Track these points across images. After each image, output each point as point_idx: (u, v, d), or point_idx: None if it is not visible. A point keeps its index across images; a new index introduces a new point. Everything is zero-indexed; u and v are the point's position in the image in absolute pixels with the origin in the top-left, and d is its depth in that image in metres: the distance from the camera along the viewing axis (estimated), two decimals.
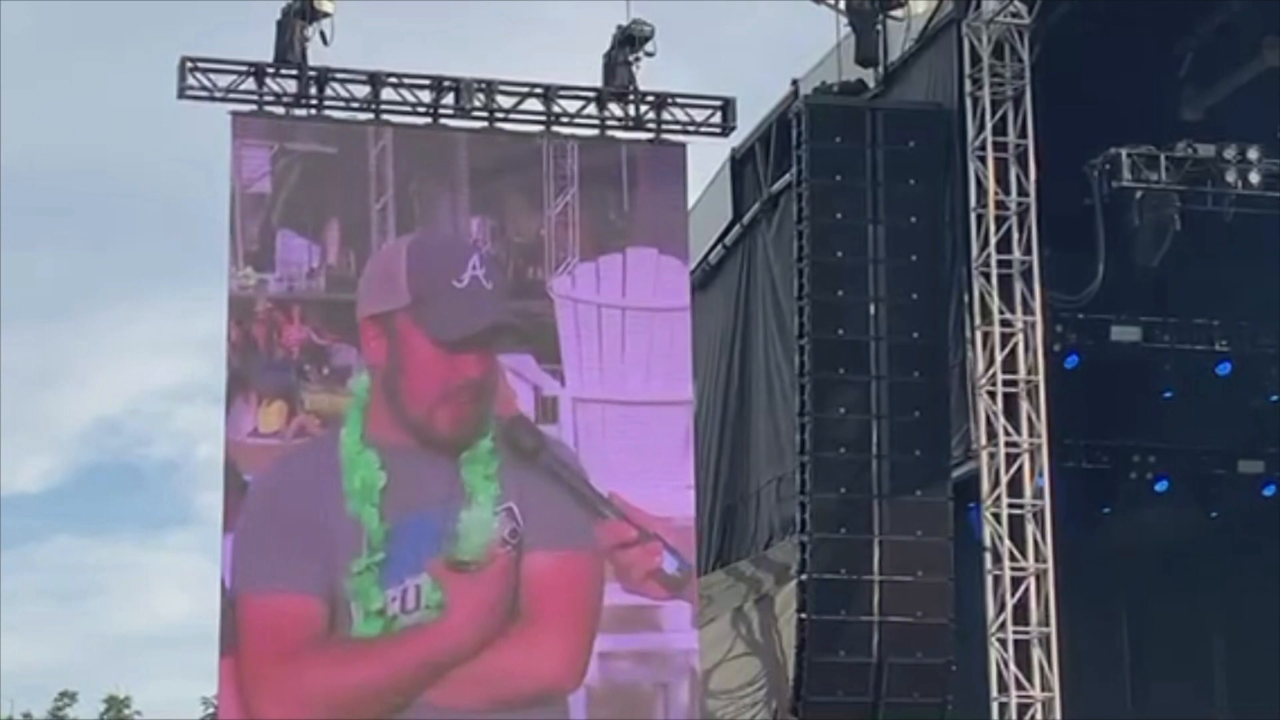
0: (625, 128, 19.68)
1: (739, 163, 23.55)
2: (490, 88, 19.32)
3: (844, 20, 20.30)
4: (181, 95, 18.63)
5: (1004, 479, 18.69)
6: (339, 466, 18.18)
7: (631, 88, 19.65)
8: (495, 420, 18.64)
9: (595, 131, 19.60)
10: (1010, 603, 18.45)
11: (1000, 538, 18.59)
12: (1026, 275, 19.08)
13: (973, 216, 19.15)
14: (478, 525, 18.29)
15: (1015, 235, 19.07)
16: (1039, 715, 18.32)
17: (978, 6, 19.28)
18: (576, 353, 19.00)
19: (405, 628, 18.03)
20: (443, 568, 18.14)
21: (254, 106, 18.78)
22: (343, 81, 19.02)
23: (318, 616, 17.89)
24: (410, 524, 18.12)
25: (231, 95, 18.71)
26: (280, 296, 18.49)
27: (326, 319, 18.49)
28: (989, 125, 19.10)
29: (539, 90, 19.50)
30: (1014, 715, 18.27)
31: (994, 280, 18.99)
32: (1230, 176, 19.53)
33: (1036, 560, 18.60)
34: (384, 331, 18.44)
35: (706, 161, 22.88)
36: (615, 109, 19.69)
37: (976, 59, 19.20)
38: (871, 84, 20.49)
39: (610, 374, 19.11)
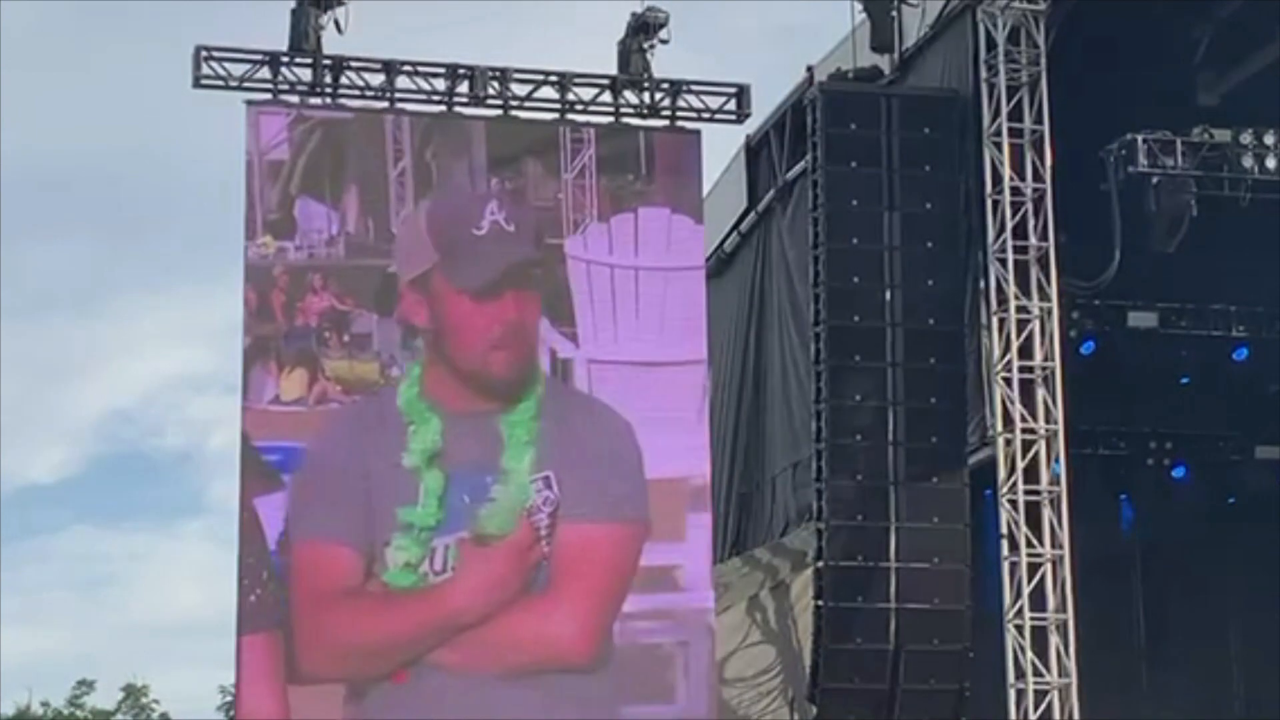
0: (640, 115, 19.65)
1: (754, 150, 23.54)
2: (505, 75, 19.30)
3: (859, 6, 20.32)
4: (196, 84, 18.66)
5: (1020, 465, 18.67)
6: (399, 422, 18.18)
7: (646, 75, 19.62)
8: (539, 368, 18.67)
9: (610, 119, 19.60)
10: (1027, 589, 18.43)
11: (1017, 524, 18.57)
12: (1043, 261, 19.05)
13: (988, 203, 19.12)
14: (511, 496, 18.23)
15: (1031, 221, 19.03)
16: (1056, 701, 18.31)
17: None
18: (590, 314, 18.95)
19: (428, 586, 18.02)
20: (467, 535, 18.12)
21: (269, 95, 18.82)
22: (357, 70, 19.03)
23: (353, 567, 17.90)
24: (457, 487, 18.11)
25: (246, 84, 18.72)
26: (300, 264, 18.54)
27: (346, 285, 18.51)
28: (1004, 111, 19.06)
29: (554, 78, 19.49)
30: (1031, 701, 18.27)
31: (1010, 266, 18.95)
32: (1246, 161, 19.55)
33: (1053, 547, 18.58)
34: (423, 293, 18.41)
35: (721, 149, 22.90)
36: (630, 96, 19.66)
37: (992, 45, 19.16)
38: (887, 70, 20.49)
39: (624, 335, 19.05)
